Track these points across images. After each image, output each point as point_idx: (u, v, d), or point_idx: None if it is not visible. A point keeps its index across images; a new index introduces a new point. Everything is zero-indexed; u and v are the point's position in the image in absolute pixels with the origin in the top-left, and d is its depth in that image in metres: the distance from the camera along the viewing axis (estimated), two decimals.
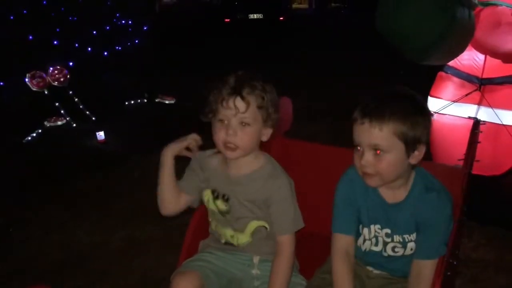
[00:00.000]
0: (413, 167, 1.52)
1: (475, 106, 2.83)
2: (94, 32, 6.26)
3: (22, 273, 2.64)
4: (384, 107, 1.43)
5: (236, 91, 1.58)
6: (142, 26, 7.58)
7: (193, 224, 1.76)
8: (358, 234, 1.63)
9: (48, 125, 5.11)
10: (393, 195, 1.56)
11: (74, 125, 5.16)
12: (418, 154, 1.47)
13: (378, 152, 1.44)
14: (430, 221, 1.49)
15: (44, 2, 5.76)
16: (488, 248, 2.72)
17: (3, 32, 5.18)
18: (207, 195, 1.76)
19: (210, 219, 1.82)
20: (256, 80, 1.62)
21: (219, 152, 1.69)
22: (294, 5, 23.52)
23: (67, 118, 5.19)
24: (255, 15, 14.33)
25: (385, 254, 1.60)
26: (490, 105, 2.75)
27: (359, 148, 1.48)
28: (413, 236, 1.55)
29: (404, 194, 1.54)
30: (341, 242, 1.61)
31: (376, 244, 1.60)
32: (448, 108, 2.91)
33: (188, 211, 1.87)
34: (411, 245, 1.56)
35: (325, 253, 1.66)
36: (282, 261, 1.63)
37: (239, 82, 1.61)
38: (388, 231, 1.57)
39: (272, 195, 1.66)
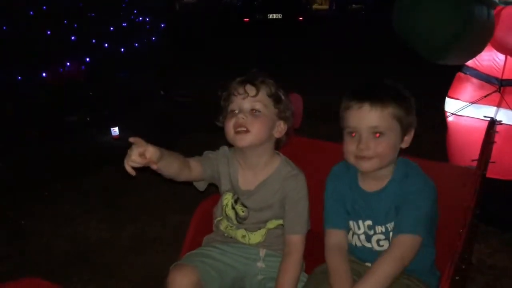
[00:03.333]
0: (398, 154, 1.55)
1: (494, 108, 2.74)
2: (112, 28, 6.30)
3: (30, 265, 2.64)
4: (382, 90, 1.49)
5: (247, 79, 1.62)
6: (161, 24, 7.61)
7: (195, 219, 1.72)
8: (348, 229, 1.63)
9: (63, 120, 5.15)
10: (375, 184, 1.57)
11: (89, 120, 5.18)
12: (408, 139, 1.53)
13: (377, 135, 1.47)
14: (408, 200, 1.49)
15: None
16: (505, 255, 2.62)
17: (22, 27, 5.25)
18: (227, 199, 1.73)
19: (219, 218, 1.78)
20: (266, 77, 1.66)
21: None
22: (315, 6, 23.42)
23: (82, 113, 5.22)
24: (274, 15, 14.28)
25: (374, 250, 1.57)
26: (510, 107, 2.66)
27: (353, 134, 1.50)
28: None
29: (385, 182, 1.56)
30: (334, 237, 1.59)
31: (367, 240, 1.58)
32: (466, 109, 2.82)
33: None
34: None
35: None
36: (292, 262, 1.59)
37: (249, 74, 1.65)
38: (370, 222, 1.57)
39: (289, 195, 1.64)
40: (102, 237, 2.92)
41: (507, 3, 2.51)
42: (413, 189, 1.50)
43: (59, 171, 3.91)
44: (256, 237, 1.70)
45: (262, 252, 1.70)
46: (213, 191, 1.86)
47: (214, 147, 1.76)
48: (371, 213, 1.56)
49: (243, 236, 1.71)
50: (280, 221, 1.67)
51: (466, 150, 2.76)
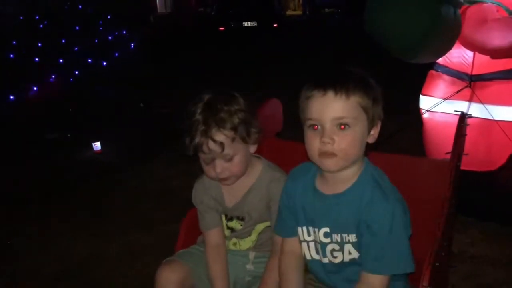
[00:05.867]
0: (366, 153, 1.41)
1: (466, 103, 2.84)
2: (89, 43, 6.30)
3: (21, 285, 2.64)
4: (348, 77, 1.33)
5: (206, 135, 1.52)
6: (137, 37, 7.62)
7: (184, 227, 1.76)
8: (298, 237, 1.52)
9: (44, 137, 5.12)
10: (336, 187, 1.41)
11: (70, 136, 5.17)
12: (374, 133, 1.39)
13: (342, 127, 1.30)
14: (376, 225, 1.31)
15: (37, 17, 5.81)
16: (485, 243, 2.72)
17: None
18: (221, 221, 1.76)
19: None
20: (226, 106, 1.55)
21: None
22: (288, 12, 23.68)
23: (63, 130, 5.20)
24: (249, 22, 14.45)
25: (325, 261, 1.45)
26: (481, 101, 2.76)
27: (316, 127, 1.33)
28: (352, 237, 1.38)
29: (349, 184, 1.39)
30: (288, 244, 1.54)
31: (321, 250, 1.45)
32: (440, 106, 2.92)
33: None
34: (348, 247, 1.40)
35: None
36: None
37: (206, 121, 1.53)
38: (327, 229, 1.42)
39: (274, 198, 1.64)
40: (92, 251, 2.93)
41: (471, 2, 2.62)
42: (380, 205, 1.32)
43: (43, 188, 3.90)
44: (246, 243, 1.74)
45: (252, 255, 1.74)
46: None
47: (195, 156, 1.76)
48: (329, 219, 1.41)
49: (234, 244, 1.75)
50: (268, 223, 1.70)
51: (442, 145, 2.85)
